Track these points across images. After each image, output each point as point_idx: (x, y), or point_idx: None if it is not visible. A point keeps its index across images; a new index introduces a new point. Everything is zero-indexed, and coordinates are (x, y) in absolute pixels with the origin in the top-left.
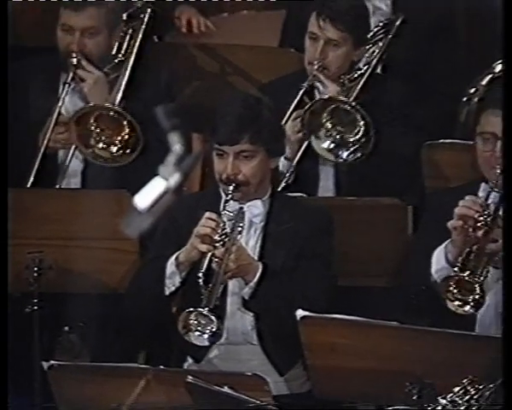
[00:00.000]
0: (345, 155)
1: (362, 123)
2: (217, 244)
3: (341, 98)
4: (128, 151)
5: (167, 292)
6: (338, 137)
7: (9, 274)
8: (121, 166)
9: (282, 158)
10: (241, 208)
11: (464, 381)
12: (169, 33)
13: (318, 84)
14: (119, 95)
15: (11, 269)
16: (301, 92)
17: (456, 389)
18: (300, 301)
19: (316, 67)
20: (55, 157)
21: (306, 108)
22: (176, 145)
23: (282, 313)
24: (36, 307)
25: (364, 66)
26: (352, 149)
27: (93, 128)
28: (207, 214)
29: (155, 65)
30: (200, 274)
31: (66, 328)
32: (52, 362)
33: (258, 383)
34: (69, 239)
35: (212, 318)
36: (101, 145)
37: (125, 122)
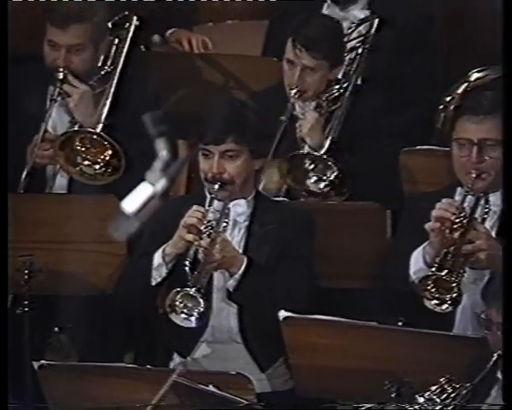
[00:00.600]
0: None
1: (335, 168)
2: (203, 235)
3: (315, 153)
4: (110, 170)
5: (154, 283)
6: (314, 180)
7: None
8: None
9: None
10: (226, 205)
11: (441, 380)
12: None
13: (298, 110)
14: (105, 111)
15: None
16: (283, 126)
17: (434, 387)
18: (283, 297)
19: (294, 91)
20: (43, 171)
21: (288, 167)
22: (162, 151)
23: (265, 308)
24: (26, 309)
25: (344, 83)
26: (329, 185)
27: (79, 147)
28: (195, 207)
29: (142, 74)
30: (187, 262)
31: (56, 329)
32: (42, 362)
33: (242, 382)
34: (59, 242)
35: (199, 299)
36: (86, 162)
37: (106, 143)
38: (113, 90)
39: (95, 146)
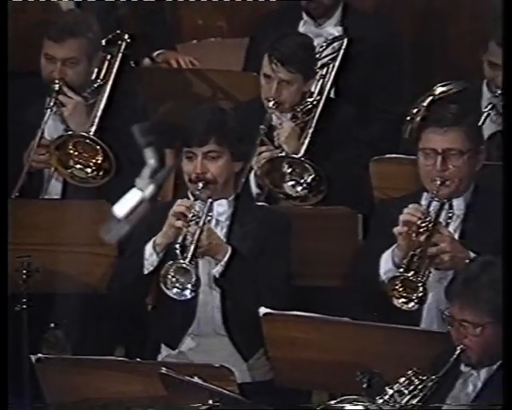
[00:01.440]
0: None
1: (312, 171)
2: (190, 222)
3: (293, 156)
4: (101, 173)
5: (146, 272)
6: (293, 183)
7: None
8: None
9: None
10: (210, 203)
11: (409, 372)
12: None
13: (275, 121)
14: (97, 119)
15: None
16: (261, 133)
17: (402, 379)
18: (263, 289)
19: (271, 104)
20: (40, 175)
21: (266, 169)
22: (150, 160)
23: (248, 295)
24: (24, 306)
25: (317, 96)
26: (306, 188)
27: (72, 151)
28: (181, 200)
29: (132, 87)
30: (177, 245)
31: (52, 325)
32: (39, 355)
33: (224, 374)
34: (54, 244)
35: (191, 269)
36: (78, 166)
37: (98, 147)
38: (104, 101)
39: (87, 150)
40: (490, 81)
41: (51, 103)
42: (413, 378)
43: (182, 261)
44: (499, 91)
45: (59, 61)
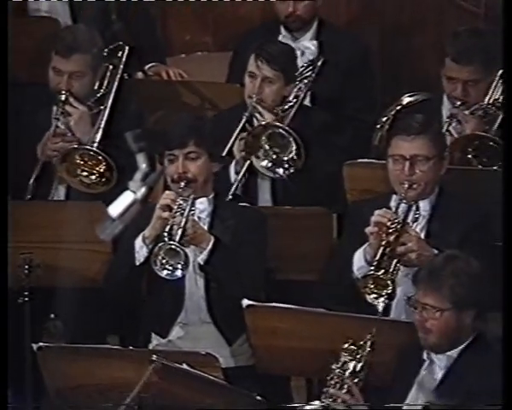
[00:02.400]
0: (280, 171)
1: (294, 144)
2: (176, 214)
3: (277, 124)
4: (103, 181)
5: (137, 263)
6: (274, 156)
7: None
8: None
9: (232, 172)
10: (192, 200)
11: (345, 345)
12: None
13: (257, 114)
14: (100, 132)
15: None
16: (244, 120)
17: (343, 354)
18: (245, 278)
19: (254, 99)
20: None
21: (248, 132)
22: (142, 164)
23: (230, 283)
24: (27, 299)
25: (293, 99)
26: (286, 166)
27: (78, 161)
28: (167, 192)
29: (126, 97)
30: (165, 234)
31: (52, 316)
32: (40, 344)
33: (210, 361)
34: (54, 242)
35: (180, 251)
36: (84, 174)
37: (100, 157)
38: (108, 110)
39: (91, 160)
40: (448, 93)
41: (58, 113)
42: (351, 347)
43: (171, 242)
44: (458, 103)
45: (66, 74)
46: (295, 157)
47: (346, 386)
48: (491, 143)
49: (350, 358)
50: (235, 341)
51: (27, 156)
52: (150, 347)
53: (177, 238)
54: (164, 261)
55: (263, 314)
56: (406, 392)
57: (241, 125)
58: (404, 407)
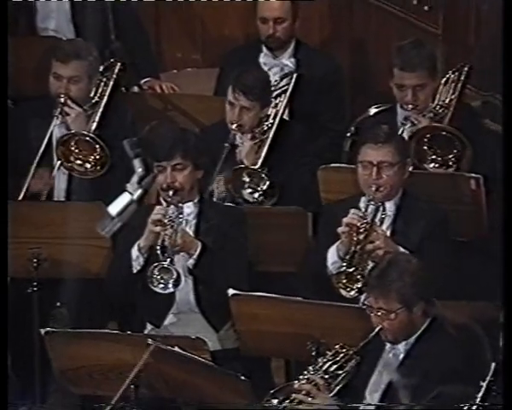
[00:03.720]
0: (256, 195)
1: (267, 182)
2: (167, 226)
3: (253, 167)
4: (98, 168)
5: (135, 271)
6: (251, 190)
7: (14, 265)
8: (96, 180)
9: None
10: (180, 206)
11: (336, 346)
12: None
13: (238, 143)
14: (94, 124)
15: (17, 261)
16: (226, 151)
17: (330, 352)
18: (229, 272)
19: (234, 126)
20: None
21: (232, 176)
22: (138, 169)
23: (216, 280)
24: (35, 289)
25: (273, 116)
26: (262, 195)
27: (73, 148)
28: (157, 207)
29: (123, 108)
30: (158, 247)
31: (58, 304)
32: (48, 329)
33: (199, 344)
34: (59, 238)
35: (172, 269)
36: (78, 162)
37: (97, 146)
38: (100, 113)
39: (86, 148)
40: (400, 100)
41: (57, 112)
42: (339, 350)
43: (163, 263)
44: (410, 107)
45: (65, 78)
46: (270, 189)
47: (313, 381)
48: (444, 133)
49: (330, 358)
50: (222, 328)
51: (28, 154)
52: (145, 332)
53: (169, 254)
54: (158, 277)
55: (246, 302)
56: (370, 374)
57: (223, 155)
58: (361, 407)
